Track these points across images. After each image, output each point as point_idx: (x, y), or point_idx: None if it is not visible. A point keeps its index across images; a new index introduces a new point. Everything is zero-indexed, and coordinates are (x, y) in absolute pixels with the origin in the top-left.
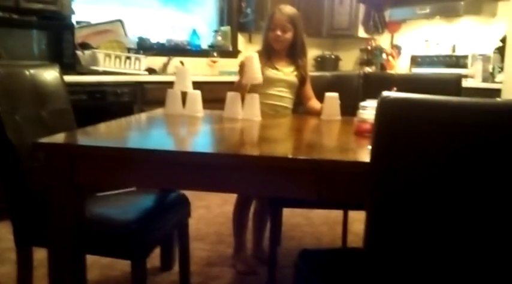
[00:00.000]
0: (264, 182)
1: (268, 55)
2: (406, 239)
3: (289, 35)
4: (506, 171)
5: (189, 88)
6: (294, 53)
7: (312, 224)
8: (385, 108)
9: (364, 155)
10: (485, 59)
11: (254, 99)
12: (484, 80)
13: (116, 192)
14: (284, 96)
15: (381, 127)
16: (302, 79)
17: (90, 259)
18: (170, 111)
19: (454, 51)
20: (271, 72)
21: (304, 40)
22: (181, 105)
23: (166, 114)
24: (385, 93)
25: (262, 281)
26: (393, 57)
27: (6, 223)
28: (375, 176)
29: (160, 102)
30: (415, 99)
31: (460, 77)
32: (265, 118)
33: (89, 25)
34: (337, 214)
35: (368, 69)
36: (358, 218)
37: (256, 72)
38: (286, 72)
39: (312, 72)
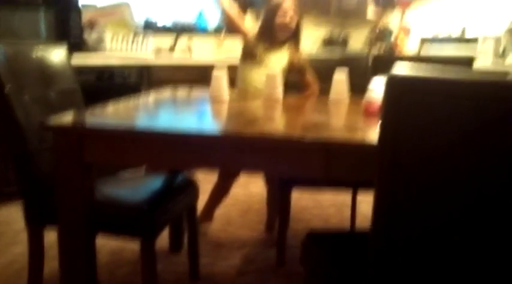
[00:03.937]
0: (274, 161)
1: (267, 39)
2: (416, 218)
3: (293, 25)
4: None
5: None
6: (293, 40)
7: (320, 207)
8: (394, 83)
9: (373, 135)
10: (496, 40)
11: (274, 78)
12: (494, 62)
13: (126, 175)
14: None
15: (390, 102)
16: (297, 67)
17: (100, 241)
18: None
19: (464, 32)
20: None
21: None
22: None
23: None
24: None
25: (272, 261)
26: (402, 37)
27: (19, 205)
28: (383, 153)
29: (167, 83)
30: (425, 75)
31: (471, 60)
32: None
33: (95, 7)
34: (345, 197)
35: (377, 50)
36: (365, 200)
37: (277, 91)
38: (279, 57)
39: (319, 53)
